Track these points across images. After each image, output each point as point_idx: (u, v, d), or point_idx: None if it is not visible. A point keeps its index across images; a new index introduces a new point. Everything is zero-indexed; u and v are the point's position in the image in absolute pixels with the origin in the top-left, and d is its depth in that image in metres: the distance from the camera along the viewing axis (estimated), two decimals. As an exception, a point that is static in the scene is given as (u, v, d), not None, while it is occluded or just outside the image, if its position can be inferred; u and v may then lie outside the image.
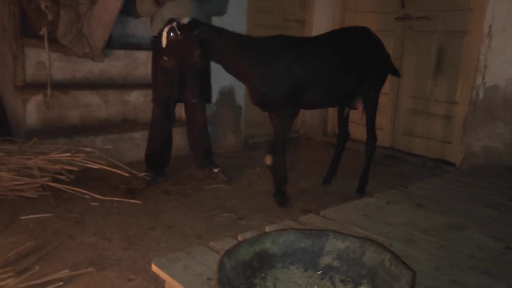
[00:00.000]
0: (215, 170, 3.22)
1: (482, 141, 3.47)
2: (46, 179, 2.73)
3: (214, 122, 3.89)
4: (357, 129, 4.55)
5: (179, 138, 3.49)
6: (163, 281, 1.66)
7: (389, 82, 4.23)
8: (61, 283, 1.78)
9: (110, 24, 3.38)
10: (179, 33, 2.38)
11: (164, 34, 2.42)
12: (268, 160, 2.77)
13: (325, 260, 1.43)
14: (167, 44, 2.41)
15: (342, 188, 3.20)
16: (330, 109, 4.78)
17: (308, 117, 4.83)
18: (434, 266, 1.51)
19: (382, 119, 4.36)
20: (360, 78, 2.80)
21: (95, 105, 3.60)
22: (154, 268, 1.63)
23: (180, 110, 3.44)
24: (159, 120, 3.04)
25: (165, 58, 2.46)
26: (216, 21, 3.12)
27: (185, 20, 2.42)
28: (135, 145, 3.53)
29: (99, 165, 3.04)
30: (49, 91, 3.30)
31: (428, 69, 3.92)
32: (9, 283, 1.71)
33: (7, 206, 2.51)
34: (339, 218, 1.97)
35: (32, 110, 3.31)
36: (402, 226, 1.86)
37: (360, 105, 2.94)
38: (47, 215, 2.43)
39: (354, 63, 2.77)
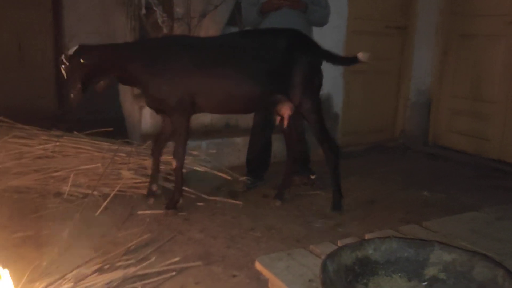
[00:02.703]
0: (312, 177, 3.28)
1: None
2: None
3: (310, 130, 3.93)
4: (461, 140, 4.33)
5: (277, 144, 3.61)
6: (266, 279, 1.76)
7: (500, 90, 3.96)
8: (173, 273, 1.96)
9: (217, 34, 3.62)
10: (67, 64, 2.41)
11: (60, 68, 2.48)
12: (173, 163, 2.70)
13: (430, 271, 1.41)
14: (66, 77, 2.46)
15: (445, 201, 3.06)
16: (432, 118, 4.59)
17: (407, 126, 4.68)
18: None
19: (489, 129, 4.08)
20: (273, 84, 2.57)
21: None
22: (258, 266, 1.73)
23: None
24: (259, 127, 3.17)
25: (70, 91, 2.48)
26: (315, 29, 3.20)
27: (71, 50, 2.44)
28: (237, 150, 3.72)
29: (204, 168, 3.28)
30: (161, 98, 3.61)
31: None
32: (131, 270, 1.93)
33: (126, 201, 2.81)
34: (443, 231, 1.91)
35: (146, 115, 3.65)
36: (515, 243, 1.75)
37: (284, 112, 2.68)
38: (160, 211, 2.67)
39: (258, 68, 2.55)
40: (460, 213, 2.22)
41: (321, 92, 3.92)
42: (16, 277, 1.72)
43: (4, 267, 1.66)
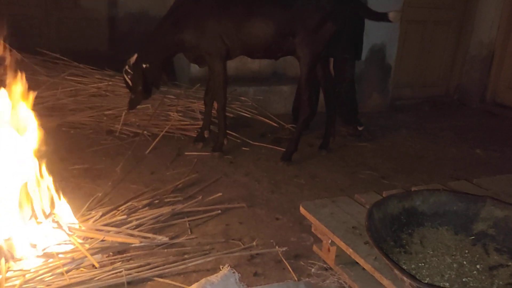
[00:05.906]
0: (360, 128, 3.22)
1: None
2: (205, 122, 3.06)
3: (361, 81, 3.82)
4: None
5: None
6: (309, 224, 1.79)
7: None
8: (219, 212, 2.03)
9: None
10: (132, 72, 2.70)
11: (124, 77, 2.75)
12: (215, 105, 2.81)
13: (479, 226, 1.39)
14: (131, 84, 2.75)
15: (499, 160, 2.95)
16: (493, 74, 4.31)
17: (464, 81, 4.44)
18: None
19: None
20: (291, 26, 2.52)
21: (248, 58, 3.81)
22: (302, 211, 1.76)
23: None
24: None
25: (132, 96, 2.79)
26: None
27: (133, 59, 2.68)
28: (283, 98, 3.69)
29: (250, 114, 3.30)
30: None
31: None
32: (179, 207, 2.01)
33: (174, 142, 2.89)
34: (495, 189, 1.85)
35: (195, 59, 3.65)
36: None
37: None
38: (206, 153, 2.74)
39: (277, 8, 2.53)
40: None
41: (375, 42, 3.85)
42: (74, 205, 1.84)
43: (64, 195, 1.78)
